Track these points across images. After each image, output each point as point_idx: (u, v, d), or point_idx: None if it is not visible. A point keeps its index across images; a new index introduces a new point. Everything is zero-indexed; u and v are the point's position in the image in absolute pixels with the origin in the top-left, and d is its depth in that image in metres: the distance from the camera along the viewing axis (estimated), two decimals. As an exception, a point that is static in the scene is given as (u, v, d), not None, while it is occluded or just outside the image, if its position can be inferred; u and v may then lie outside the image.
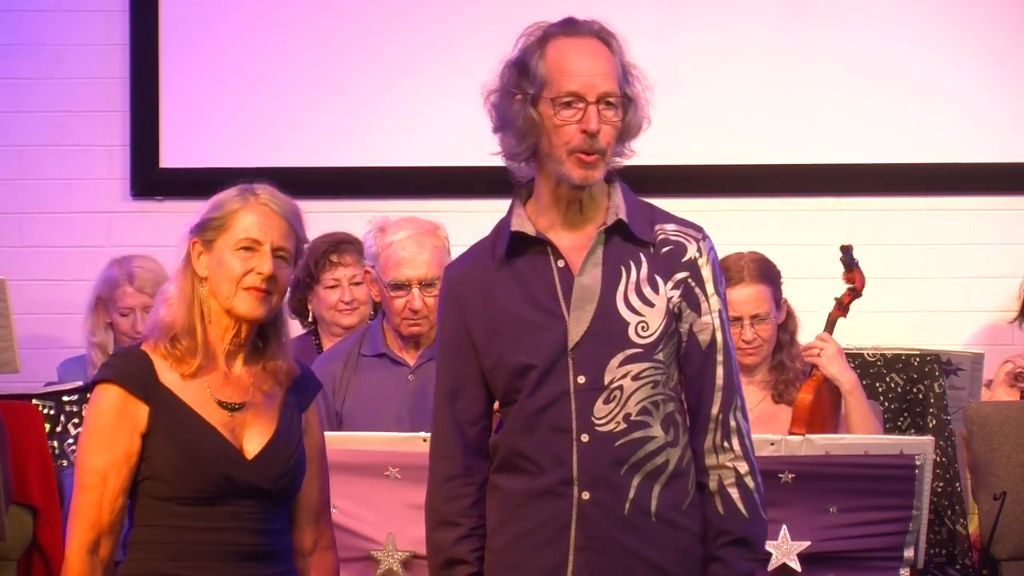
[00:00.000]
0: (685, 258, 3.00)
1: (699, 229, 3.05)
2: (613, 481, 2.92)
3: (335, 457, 3.72)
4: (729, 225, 5.51)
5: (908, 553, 3.72)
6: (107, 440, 3.05)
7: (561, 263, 2.97)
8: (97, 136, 5.87)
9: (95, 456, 3.05)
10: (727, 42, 5.79)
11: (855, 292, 4.29)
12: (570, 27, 2.97)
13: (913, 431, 4.66)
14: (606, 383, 2.92)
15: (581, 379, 2.93)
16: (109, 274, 5.07)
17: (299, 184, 5.79)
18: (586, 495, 2.92)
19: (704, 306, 3.00)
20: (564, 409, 2.93)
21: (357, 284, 4.98)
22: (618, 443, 2.92)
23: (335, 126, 5.85)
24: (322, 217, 5.62)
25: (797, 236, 5.74)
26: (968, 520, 4.66)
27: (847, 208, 5.72)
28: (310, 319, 5.09)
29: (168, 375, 3.08)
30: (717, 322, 3.01)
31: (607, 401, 2.93)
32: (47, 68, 5.88)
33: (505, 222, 3.04)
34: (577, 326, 2.94)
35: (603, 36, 2.97)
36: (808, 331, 4.36)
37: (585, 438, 2.92)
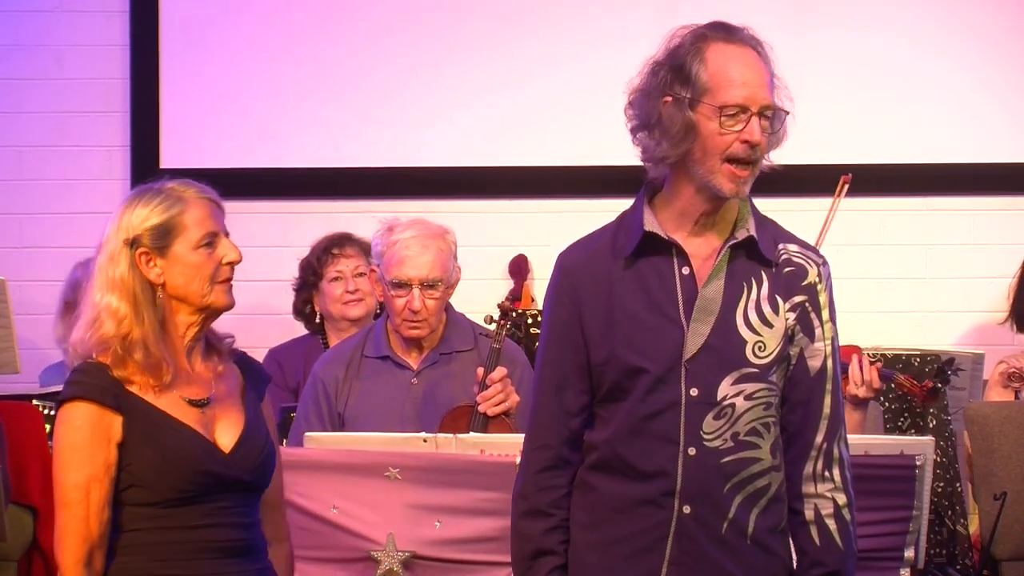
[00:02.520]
0: (805, 282, 2.96)
1: (820, 254, 3.02)
2: (715, 498, 2.88)
3: (335, 457, 3.73)
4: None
5: (908, 553, 3.72)
6: (86, 455, 3.04)
7: (686, 270, 2.93)
8: (97, 136, 5.88)
9: (75, 472, 3.03)
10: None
11: (919, 393, 4.38)
12: (728, 33, 2.93)
13: (913, 431, 4.66)
14: (718, 399, 2.88)
15: (694, 391, 2.88)
16: (74, 277, 5.06)
17: (299, 184, 5.89)
18: (687, 509, 2.88)
19: (818, 332, 2.96)
20: (673, 420, 2.88)
21: (360, 275, 4.99)
22: (724, 460, 2.88)
23: (336, 127, 5.85)
24: (322, 217, 5.64)
25: (798, 236, 5.74)
26: (968, 520, 4.66)
27: (847, 208, 5.70)
28: (317, 319, 5.10)
29: (132, 383, 3.08)
30: (829, 350, 2.97)
31: (718, 417, 2.88)
32: (47, 69, 5.88)
33: (632, 219, 2.98)
34: (695, 337, 2.89)
35: (756, 46, 2.96)
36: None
37: (692, 451, 2.88)
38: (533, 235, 5.70)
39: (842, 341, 4.34)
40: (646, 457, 2.89)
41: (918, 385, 4.37)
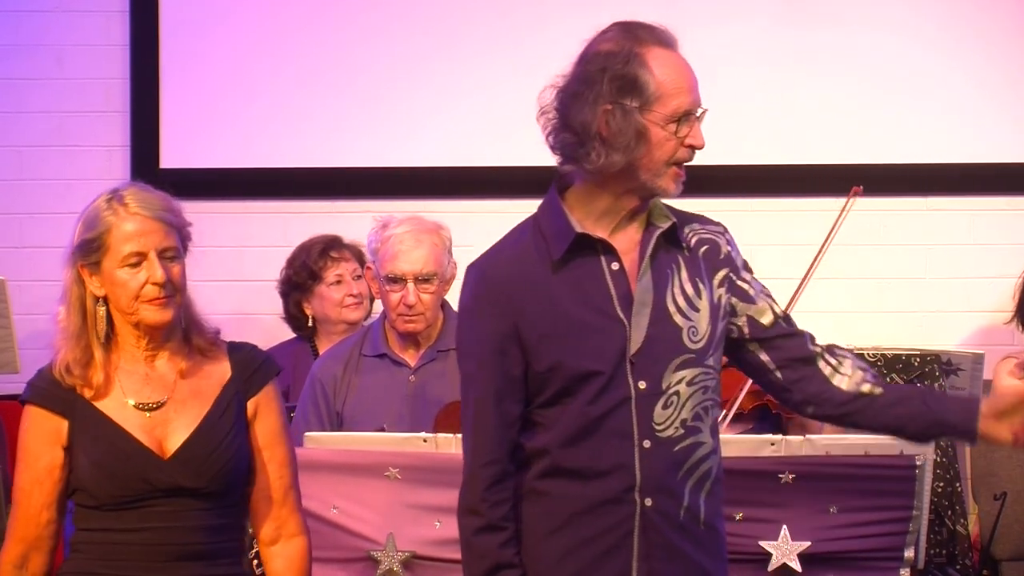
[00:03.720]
0: (721, 255, 3.02)
1: (717, 222, 3.08)
2: (671, 487, 2.91)
3: (335, 457, 3.73)
4: (730, 225, 5.49)
5: (908, 553, 3.72)
6: (31, 457, 3.11)
7: (615, 266, 2.94)
8: (97, 136, 5.88)
9: (20, 474, 3.11)
10: (725, 42, 5.78)
11: None
12: (658, 36, 2.95)
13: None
14: (664, 388, 2.91)
15: (642, 385, 2.91)
16: None
17: (299, 184, 5.89)
18: (649, 501, 2.90)
19: (752, 292, 3.02)
20: (625, 415, 2.90)
21: (358, 278, 4.99)
22: (676, 448, 2.91)
23: (335, 126, 5.85)
24: (322, 217, 5.64)
25: (798, 236, 5.74)
26: (968, 520, 4.66)
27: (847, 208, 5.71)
28: (309, 323, 5.08)
29: (86, 389, 3.11)
30: (767, 298, 3.04)
31: (666, 406, 2.91)
32: (47, 68, 5.88)
33: (552, 220, 2.97)
34: (637, 332, 2.91)
35: (679, 46, 2.99)
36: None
37: (647, 444, 2.90)
38: (533, 235, 5.70)
39: (842, 342, 4.35)
40: (601, 456, 2.90)
41: None
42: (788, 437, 3.71)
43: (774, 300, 3.06)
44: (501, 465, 2.95)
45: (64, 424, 3.10)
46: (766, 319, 3.02)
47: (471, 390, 2.98)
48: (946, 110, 5.79)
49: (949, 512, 4.62)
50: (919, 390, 3.11)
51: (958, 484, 4.66)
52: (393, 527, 3.68)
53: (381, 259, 4.25)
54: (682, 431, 2.91)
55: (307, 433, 3.93)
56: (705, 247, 3.01)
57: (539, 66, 5.86)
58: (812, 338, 3.05)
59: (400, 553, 3.68)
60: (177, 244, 3.13)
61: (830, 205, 5.79)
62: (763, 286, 3.07)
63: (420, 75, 5.81)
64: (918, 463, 3.68)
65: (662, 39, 2.95)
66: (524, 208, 5.95)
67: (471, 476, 2.97)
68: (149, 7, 5.85)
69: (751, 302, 3.02)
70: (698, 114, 2.93)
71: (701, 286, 2.97)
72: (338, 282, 5.02)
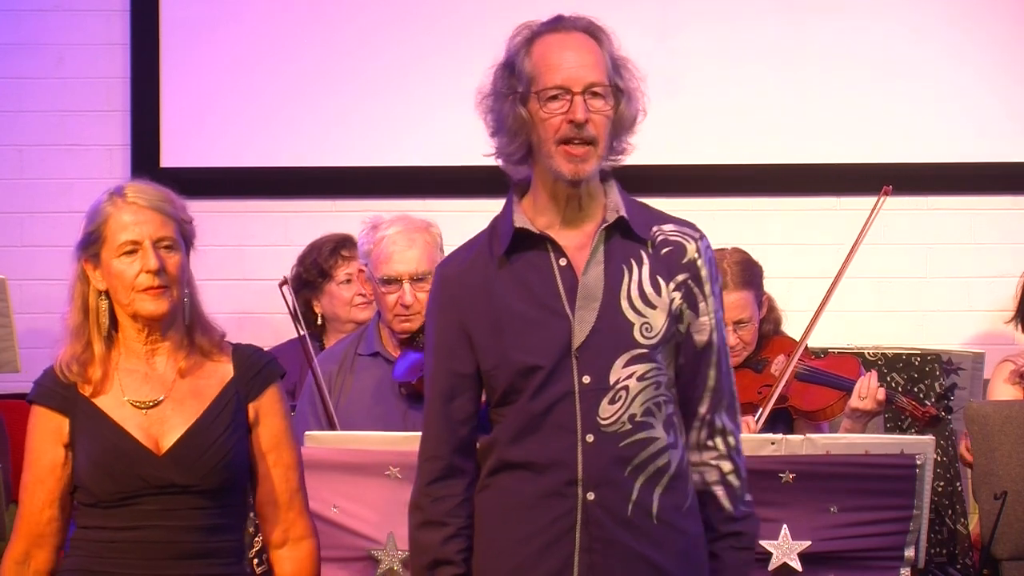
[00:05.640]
0: (685, 259, 2.99)
1: (696, 228, 3.05)
2: (617, 482, 2.91)
3: (335, 457, 3.73)
4: (729, 225, 5.51)
5: (909, 553, 3.72)
6: (35, 456, 3.15)
7: (563, 261, 2.96)
8: (97, 136, 5.88)
9: (25, 472, 3.16)
10: (725, 41, 5.79)
11: (921, 417, 4.39)
12: (556, 24, 2.97)
13: (913, 431, 4.66)
14: (611, 383, 2.91)
15: (586, 379, 2.91)
16: None
17: (299, 184, 5.89)
18: (591, 495, 2.91)
19: (702, 307, 2.99)
20: (568, 409, 2.91)
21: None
22: (623, 443, 2.91)
23: (335, 126, 5.85)
24: (322, 217, 5.63)
25: (797, 236, 5.75)
26: (968, 520, 4.66)
27: (847, 208, 5.71)
28: (319, 321, 5.08)
29: (87, 387, 3.13)
30: (714, 323, 3.00)
31: (613, 401, 2.91)
32: (47, 68, 5.88)
33: (503, 220, 3.03)
34: (582, 326, 2.92)
35: (591, 30, 2.98)
36: (803, 328, 4.35)
37: (590, 438, 2.91)
38: (533, 235, 5.70)
39: (842, 342, 4.37)
40: (544, 450, 2.92)
41: (920, 409, 4.37)
42: (788, 437, 3.71)
43: (714, 361, 3.00)
44: (443, 462, 3.00)
45: (65, 422, 3.13)
46: (699, 341, 2.99)
47: (427, 387, 3.05)
48: (947, 110, 5.79)
49: (949, 511, 4.62)
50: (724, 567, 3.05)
51: (958, 484, 4.66)
52: (393, 526, 3.67)
53: (375, 261, 4.24)
54: (629, 426, 2.91)
55: (307, 432, 3.93)
56: (668, 248, 2.99)
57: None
58: (711, 419, 3.01)
59: (400, 552, 3.67)
60: (175, 235, 3.15)
61: (830, 204, 5.81)
62: (719, 322, 3.02)
63: (419, 75, 5.81)
64: (918, 462, 3.67)
65: (559, 25, 2.97)
66: (524, 207, 5.79)
67: (417, 471, 3.04)
68: (149, 7, 5.86)
69: (696, 314, 2.99)
70: (578, 90, 2.91)
71: (661, 284, 2.97)
72: (348, 281, 5.01)
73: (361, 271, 4.37)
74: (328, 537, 3.66)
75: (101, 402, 3.12)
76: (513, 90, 2.95)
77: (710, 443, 3.01)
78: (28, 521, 3.13)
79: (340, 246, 5.08)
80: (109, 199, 3.16)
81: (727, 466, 3.01)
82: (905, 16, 5.79)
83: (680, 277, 2.98)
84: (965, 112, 5.79)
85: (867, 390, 4.30)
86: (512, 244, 2.99)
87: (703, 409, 3.01)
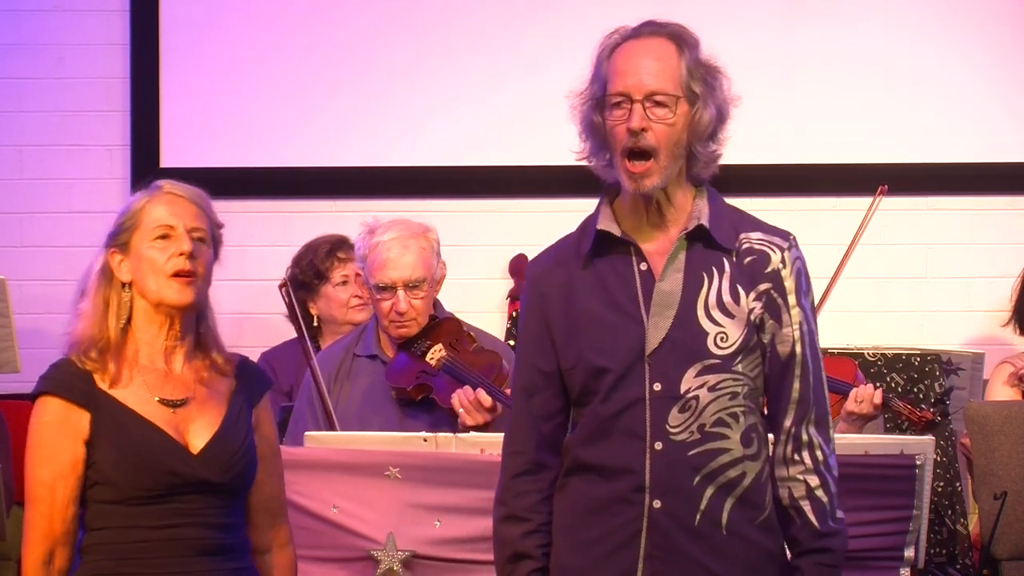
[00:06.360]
0: (769, 269, 2.94)
1: (787, 237, 3.00)
2: (685, 491, 2.88)
3: (335, 456, 3.73)
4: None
5: (908, 553, 3.72)
6: (51, 451, 3.05)
7: (644, 266, 2.93)
8: (97, 136, 5.88)
9: (41, 468, 3.05)
10: (725, 42, 5.77)
11: (917, 421, 4.39)
12: (640, 29, 2.96)
13: (913, 431, 4.66)
14: (682, 392, 2.88)
15: (657, 386, 2.88)
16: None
17: (299, 183, 5.89)
18: (657, 503, 2.88)
19: (786, 318, 2.93)
20: (638, 415, 2.89)
21: None
22: (691, 452, 2.88)
23: (335, 126, 5.85)
24: (322, 217, 5.63)
25: (798, 236, 5.74)
26: (968, 520, 4.66)
27: (847, 208, 5.72)
28: (314, 322, 5.07)
29: (105, 381, 3.09)
30: (798, 334, 2.94)
31: (683, 410, 2.88)
32: (47, 68, 5.88)
33: (591, 220, 3.00)
34: (656, 332, 2.89)
35: (675, 36, 2.96)
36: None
37: (659, 446, 2.88)
38: (533, 235, 5.69)
39: (842, 342, 4.37)
40: (613, 455, 2.90)
41: (916, 413, 4.37)
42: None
43: (799, 372, 2.94)
44: (527, 456, 2.99)
45: (86, 417, 3.06)
46: (782, 352, 2.94)
47: (513, 381, 3.07)
48: (947, 110, 5.80)
49: (949, 512, 4.62)
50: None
51: (958, 484, 4.67)
52: (393, 526, 3.68)
53: (369, 267, 4.22)
54: (698, 436, 2.88)
55: (307, 433, 3.93)
56: (752, 257, 2.94)
57: (539, 66, 5.91)
58: (796, 432, 2.95)
59: (400, 552, 3.67)
60: (207, 229, 3.18)
61: (830, 204, 5.82)
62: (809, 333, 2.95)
63: (420, 75, 5.81)
64: (918, 463, 3.68)
65: (642, 31, 2.96)
66: (524, 208, 5.97)
67: (502, 464, 3.04)
68: (149, 7, 5.86)
69: (780, 325, 2.93)
70: (639, 98, 2.89)
71: (741, 293, 2.92)
72: (344, 283, 5.00)
73: (358, 274, 4.36)
74: (328, 537, 3.66)
75: (123, 396, 3.08)
76: (593, 95, 2.94)
77: (796, 457, 2.95)
78: (50, 521, 3.04)
79: (336, 248, 5.07)
80: (145, 192, 3.17)
81: (814, 480, 2.95)
82: (903, 17, 5.80)
83: (762, 287, 2.93)
84: (964, 112, 5.79)
85: (864, 394, 4.31)
86: (598, 246, 2.96)
87: (788, 422, 2.95)
